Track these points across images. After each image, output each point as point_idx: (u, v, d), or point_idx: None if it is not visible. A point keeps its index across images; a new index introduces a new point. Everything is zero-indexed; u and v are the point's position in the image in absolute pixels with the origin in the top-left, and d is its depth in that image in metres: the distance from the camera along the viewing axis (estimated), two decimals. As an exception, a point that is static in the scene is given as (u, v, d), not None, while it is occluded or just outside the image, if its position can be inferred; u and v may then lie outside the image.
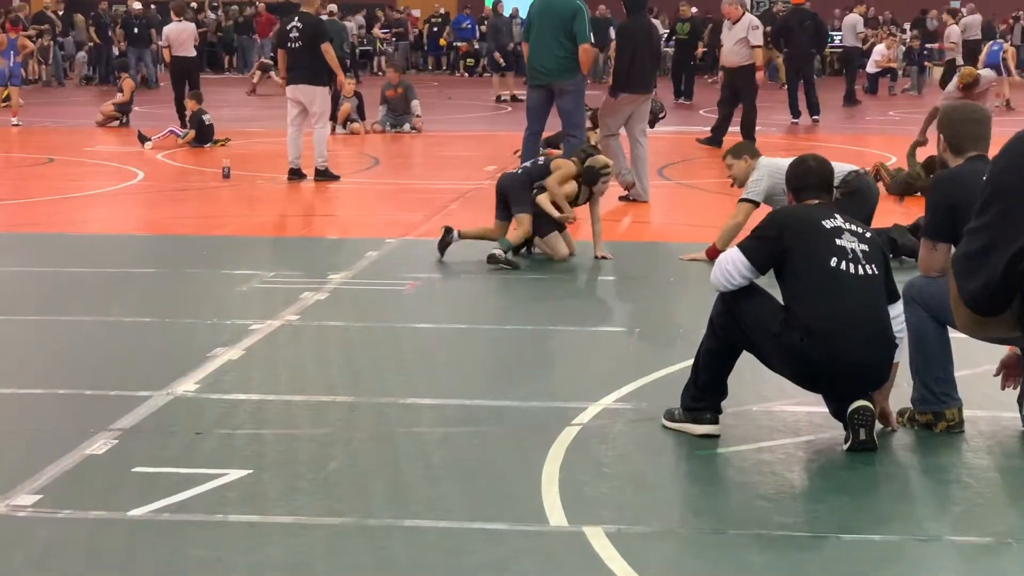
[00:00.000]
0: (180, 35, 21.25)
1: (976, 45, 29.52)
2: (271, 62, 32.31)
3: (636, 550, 4.75)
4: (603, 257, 10.41)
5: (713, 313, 6.00)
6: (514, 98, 27.51)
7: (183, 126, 19.71)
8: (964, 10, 33.01)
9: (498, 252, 10.15)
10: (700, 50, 30.49)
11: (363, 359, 7.53)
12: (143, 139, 18.81)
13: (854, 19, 28.69)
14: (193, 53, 21.65)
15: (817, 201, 6.11)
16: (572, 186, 10.36)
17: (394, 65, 23.41)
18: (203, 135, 19.00)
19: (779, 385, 6.36)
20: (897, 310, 5.92)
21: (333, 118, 18.64)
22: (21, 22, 30.11)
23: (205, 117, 19.16)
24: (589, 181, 10.34)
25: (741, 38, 18.65)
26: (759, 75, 18.85)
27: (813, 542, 4.88)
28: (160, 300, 9.06)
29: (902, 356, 6.02)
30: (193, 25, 22.77)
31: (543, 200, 10.27)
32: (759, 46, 18.82)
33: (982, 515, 5.19)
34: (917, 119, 19.19)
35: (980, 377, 6.06)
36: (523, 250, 10.52)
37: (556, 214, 10.23)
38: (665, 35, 23.29)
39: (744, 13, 19.07)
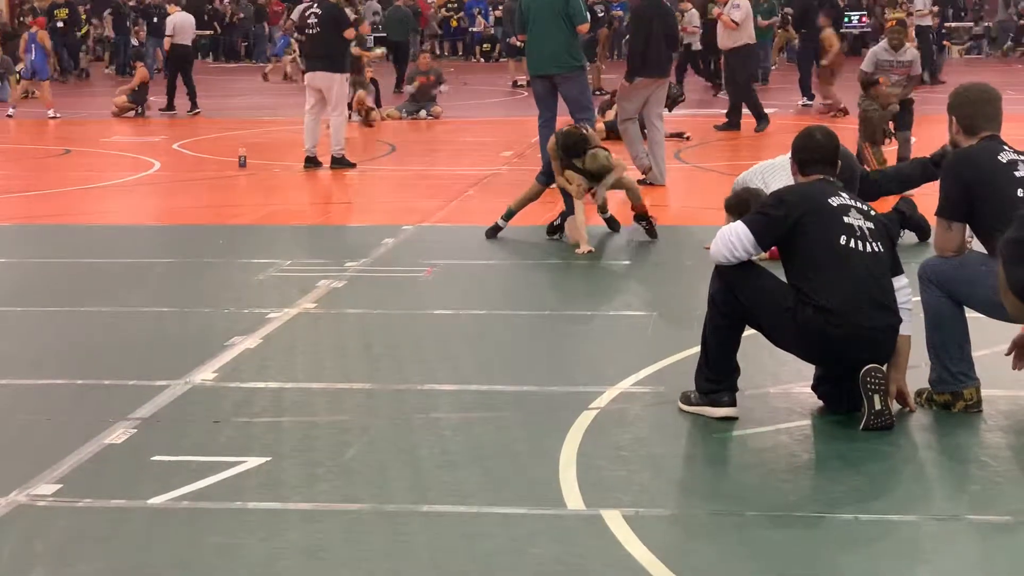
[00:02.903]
0: (183, 24, 22.67)
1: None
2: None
3: (654, 533, 4.76)
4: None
5: (712, 291, 6.02)
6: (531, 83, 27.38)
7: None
8: None
9: (500, 221, 10.72)
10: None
11: (380, 346, 7.54)
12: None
13: None
14: (190, 42, 23.06)
15: (821, 177, 6.11)
16: (578, 178, 10.37)
17: (427, 51, 23.62)
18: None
19: (797, 368, 6.35)
20: (902, 282, 5.96)
21: (348, 105, 18.68)
22: (41, 14, 30.11)
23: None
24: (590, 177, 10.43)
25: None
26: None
27: (831, 523, 4.88)
28: (177, 290, 9.09)
29: (913, 330, 5.99)
30: (192, 17, 23.94)
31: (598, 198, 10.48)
32: (735, 23, 18.83)
33: (1000, 494, 5.18)
34: (929, 98, 19.18)
35: (998, 356, 6.04)
36: (554, 236, 10.57)
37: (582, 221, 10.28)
38: (694, 17, 23.05)
39: None
